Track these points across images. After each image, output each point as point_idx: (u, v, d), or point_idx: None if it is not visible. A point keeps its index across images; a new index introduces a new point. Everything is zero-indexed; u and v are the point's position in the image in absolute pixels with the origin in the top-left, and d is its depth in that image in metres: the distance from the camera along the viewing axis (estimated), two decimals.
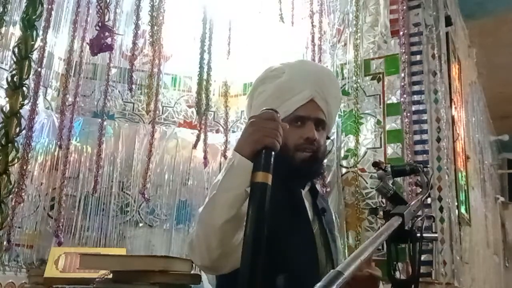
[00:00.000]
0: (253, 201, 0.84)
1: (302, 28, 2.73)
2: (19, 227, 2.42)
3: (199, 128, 2.77)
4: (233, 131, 2.93)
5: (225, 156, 2.78)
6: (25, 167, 2.30)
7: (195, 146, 2.75)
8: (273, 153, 0.90)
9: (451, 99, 2.57)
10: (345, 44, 2.61)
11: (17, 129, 1.66)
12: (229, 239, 1.00)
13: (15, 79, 1.68)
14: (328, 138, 1.40)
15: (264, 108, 1.00)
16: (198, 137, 2.75)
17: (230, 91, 2.94)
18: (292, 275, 1.12)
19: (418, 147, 2.29)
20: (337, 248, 1.40)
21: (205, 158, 2.76)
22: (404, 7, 2.39)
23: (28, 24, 1.72)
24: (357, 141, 2.44)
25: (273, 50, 2.73)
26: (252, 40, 2.84)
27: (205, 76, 2.69)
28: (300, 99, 1.29)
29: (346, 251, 2.32)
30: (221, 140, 2.87)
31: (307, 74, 1.35)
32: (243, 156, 0.95)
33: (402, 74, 2.34)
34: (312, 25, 2.66)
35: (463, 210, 2.72)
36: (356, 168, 2.41)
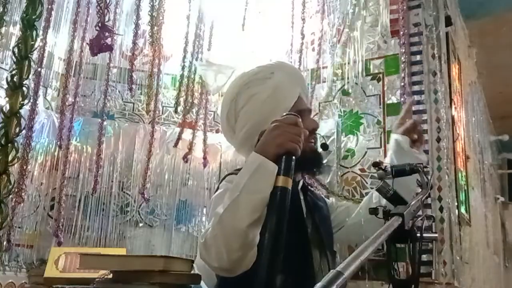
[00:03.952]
0: (273, 205, 0.84)
1: (302, 29, 2.73)
2: (19, 227, 2.42)
3: (204, 128, 2.78)
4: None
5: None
6: (25, 167, 2.30)
7: (175, 144, 2.73)
8: (294, 158, 0.91)
9: (451, 99, 2.57)
10: (345, 44, 2.61)
11: (17, 129, 1.66)
12: (250, 241, 1.00)
13: (15, 79, 1.68)
14: None
15: (285, 113, 1.02)
16: (179, 135, 2.74)
17: None
18: (286, 271, 1.12)
19: None
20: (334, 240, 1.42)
21: (204, 158, 2.76)
22: (404, 7, 2.38)
23: (28, 24, 1.72)
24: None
25: (273, 50, 2.74)
26: (251, 40, 2.84)
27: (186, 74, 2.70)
28: (294, 96, 1.36)
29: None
30: (221, 140, 2.87)
31: (293, 74, 1.44)
32: (267, 159, 0.96)
33: (402, 74, 2.34)
34: (302, 30, 2.66)
35: (463, 210, 2.71)
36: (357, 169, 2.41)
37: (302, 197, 1.40)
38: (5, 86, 1.73)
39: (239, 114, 1.39)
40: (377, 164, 1.28)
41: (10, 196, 1.89)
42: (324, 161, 1.44)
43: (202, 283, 1.57)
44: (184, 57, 2.70)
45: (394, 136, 1.65)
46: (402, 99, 2.34)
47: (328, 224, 1.47)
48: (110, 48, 2.21)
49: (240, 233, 0.98)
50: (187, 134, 2.84)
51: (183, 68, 2.69)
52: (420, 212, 1.08)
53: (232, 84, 1.43)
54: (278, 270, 0.78)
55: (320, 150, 1.39)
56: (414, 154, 1.53)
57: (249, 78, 1.40)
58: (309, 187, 1.54)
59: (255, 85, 1.37)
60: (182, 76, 2.70)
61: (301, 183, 1.41)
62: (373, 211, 1.04)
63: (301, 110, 1.31)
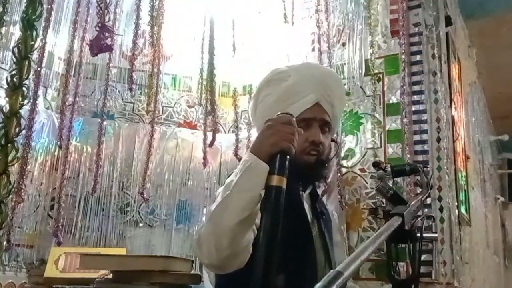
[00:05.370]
0: (268, 204, 0.84)
1: (302, 29, 2.73)
2: (19, 227, 2.42)
3: (213, 128, 2.78)
4: (233, 131, 2.93)
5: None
6: (25, 167, 2.30)
7: (210, 145, 2.75)
8: (288, 157, 0.91)
9: (451, 99, 2.57)
10: (345, 44, 2.61)
11: (17, 129, 1.66)
12: (239, 239, 1.01)
13: (15, 79, 1.68)
14: (333, 140, 1.41)
15: (280, 112, 1.01)
16: (213, 136, 2.76)
17: (230, 92, 2.94)
18: (290, 276, 1.12)
19: (418, 147, 2.28)
20: (337, 250, 1.41)
21: (204, 158, 2.76)
22: (404, 7, 2.38)
23: (28, 24, 1.71)
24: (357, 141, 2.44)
25: (273, 51, 2.73)
26: (252, 40, 2.84)
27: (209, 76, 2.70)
28: (306, 102, 1.31)
29: (347, 251, 2.32)
30: (221, 140, 2.87)
31: (312, 78, 1.37)
32: (259, 159, 0.96)
33: (402, 74, 2.34)
34: (318, 23, 2.65)
35: (463, 210, 2.72)
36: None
37: (309, 202, 1.40)
38: (5, 86, 1.73)
39: (257, 108, 1.41)
40: (377, 164, 1.28)
41: (10, 196, 1.89)
42: (322, 171, 1.37)
43: (207, 283, 1.56)
44: (211, 57, 2.71)
45: None
46: (401, 99, 2.34)
47: (332, 236, 1.46)
48: (110, 48, 2.21)
49: (228, 230, 0.99)
50: (188, 134, 2.85)
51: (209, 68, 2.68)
52: (420, 212, 1.08)
53: (264, 77, 1.42)
54: (274, 269, 0.78)
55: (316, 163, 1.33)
56: None
57: (272, 76, 1.40)
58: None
59: (271, 85, 1.37)
60: (210, 77, 2.70)
61: (309, 189, 1.40)
62: (373, 211, 1.04)
63: (307, 119, 1.29)
